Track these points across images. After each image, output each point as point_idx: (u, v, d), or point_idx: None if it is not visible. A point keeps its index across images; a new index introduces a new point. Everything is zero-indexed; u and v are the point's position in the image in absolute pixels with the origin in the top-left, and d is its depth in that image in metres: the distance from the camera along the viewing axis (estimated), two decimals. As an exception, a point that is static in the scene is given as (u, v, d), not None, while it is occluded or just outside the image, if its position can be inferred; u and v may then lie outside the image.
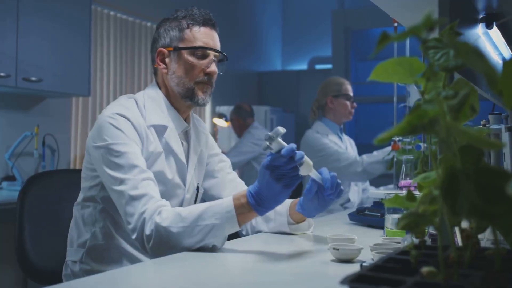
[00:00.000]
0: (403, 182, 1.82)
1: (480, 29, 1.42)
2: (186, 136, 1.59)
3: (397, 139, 2.30)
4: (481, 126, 1.30)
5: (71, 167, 3.69)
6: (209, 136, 1.71)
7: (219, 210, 1.27)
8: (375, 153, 2.91)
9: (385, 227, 1.47)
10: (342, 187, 1.41)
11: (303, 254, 1.29)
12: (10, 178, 3.17)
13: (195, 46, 1.49)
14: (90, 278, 1.05)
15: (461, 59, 0.57)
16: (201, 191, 1.63)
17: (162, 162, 1.46)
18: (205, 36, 1.51)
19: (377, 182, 3.40)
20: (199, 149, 1.61)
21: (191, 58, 1.49)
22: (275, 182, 1.23)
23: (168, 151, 1.49)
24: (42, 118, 3.45)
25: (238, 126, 4.21)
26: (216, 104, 5.27)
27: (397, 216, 1.40)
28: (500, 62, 1.89)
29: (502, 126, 1.29)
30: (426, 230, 0.96)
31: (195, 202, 1.58)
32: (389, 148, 2.62)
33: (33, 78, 2.96)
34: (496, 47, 1.74)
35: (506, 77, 0.52)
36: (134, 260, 1.43)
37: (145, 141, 1.43)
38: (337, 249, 1.17)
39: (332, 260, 1.19)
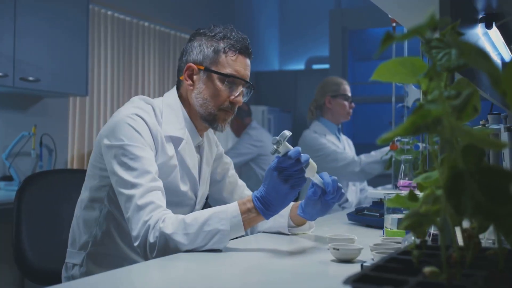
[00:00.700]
0: (401, 182, 1.82)
1: (480, 29, 1.42)
2: (199, 148, 1.57)
3: (396, 139, 2.30)
4: (481, 126, 1.30)
5: (69, 167, 3.68)
6: (219, 146, 1.69)
7: (224, 216, 1.26)
8: (373, 153, 2.91)
9: (384, 227, 1.47)
10: (343, 190, 1.42)
11: (303, 254, 1.29)
12: (7, 178, 3.16)
13: (227, 73, 1.45)
14: (90, 278, 1.04)
15: (465, 59, 0.57)
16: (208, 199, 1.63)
17: (176, 175, 1.45)
18: (239, 65, 1.46)
19: (375, 182, 3.40)
20: (211, 161, 1.61)
21: (220, 84, 1.45)
22: (282, 183, 1.25)
23: (182, 164, 1.47)
24: (40, 118, 3.44)
25: (236, 126, 4.20)
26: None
27: (396, 216, 1.40)
28: (500, 62, 1.90)
29: (501, 126, 1.30)
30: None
31: None
32: (387, 148, 2.62)
33: (31, 78, 2.95)
34: (495, 48, 1.74)
35: (509, 77, 0.52)
36: None
37: (160, 150, 1.40)
38: (338, 249, 1.17)
39: (332, 260, 1.19)
